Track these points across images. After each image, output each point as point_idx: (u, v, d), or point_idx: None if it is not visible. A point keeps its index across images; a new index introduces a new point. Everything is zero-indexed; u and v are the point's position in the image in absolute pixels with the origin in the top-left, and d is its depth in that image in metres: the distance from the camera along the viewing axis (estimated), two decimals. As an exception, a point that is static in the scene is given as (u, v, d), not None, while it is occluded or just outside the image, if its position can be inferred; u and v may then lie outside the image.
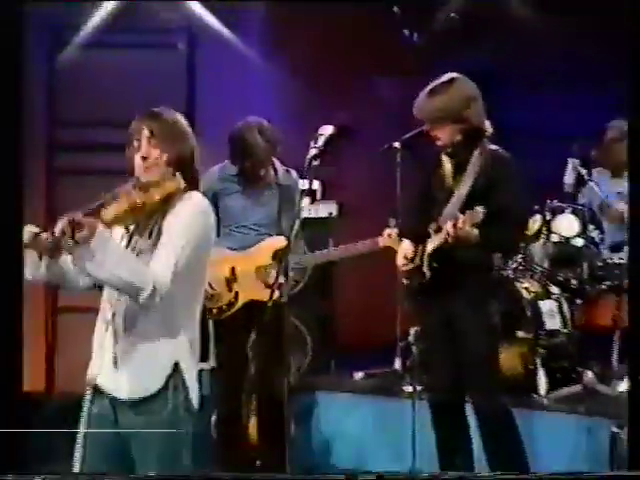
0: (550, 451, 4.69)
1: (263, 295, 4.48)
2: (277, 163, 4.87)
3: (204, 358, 5.60)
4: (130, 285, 2.80)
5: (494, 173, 4.09)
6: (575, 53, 5.97)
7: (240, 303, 4.73)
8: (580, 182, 5.55)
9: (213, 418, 5.08)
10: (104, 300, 3.07)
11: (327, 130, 3.89)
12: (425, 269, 4.20)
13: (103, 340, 3.03)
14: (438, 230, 4.13)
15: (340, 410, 5.50)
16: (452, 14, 6.35)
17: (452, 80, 4.14)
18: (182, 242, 2.95)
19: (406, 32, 6.35)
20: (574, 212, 5.42)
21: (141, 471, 3.05)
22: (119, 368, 2.98)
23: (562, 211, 5.44)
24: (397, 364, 5.65)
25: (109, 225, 2.87)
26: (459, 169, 4.18)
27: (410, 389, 4.91)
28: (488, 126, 4.18)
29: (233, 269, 4.74)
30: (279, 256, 4.56)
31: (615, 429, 4.34)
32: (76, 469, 3.05)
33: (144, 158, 3.07)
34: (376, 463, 5.15)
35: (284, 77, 6.17)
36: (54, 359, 6.63)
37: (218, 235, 4.57)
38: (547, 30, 5.97)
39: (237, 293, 4.75)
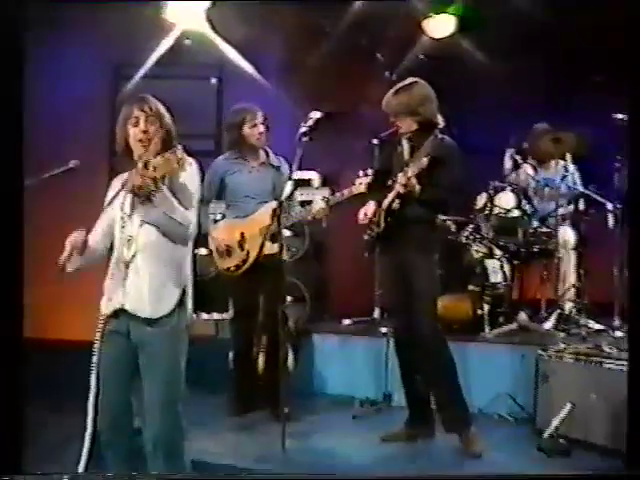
0: (494, 370, 5.11)
1: (269, 249, 4.87)
2: (267, 148, 5.21)
3: (224, 309, 6.07)
4: (180, 226, 3.26)
5: (441, 154, 4.33)
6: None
7: (252, 259, 4.99)
8: (516, 166, 6.09)
9: (230, 354, 5.33)
10: (121, 245, 3.36)
11: (315, 114, 4.47)
12: (381, 221, 4.52)
13: (124, 276, 3.32)
14: (391, 190, 4.44)
15: (331, 348, 5.85)
16: (421, 56, 6.94)
17: (412, 83, 4.50)
18: (196, 196, 3.38)
19: (387, 73, 6.94)
20: (512, 190, 5.88)
21: (144, 375, 3.33)
22: (142, 294, 3.31)
23: (503, 189, 5.91)
24: (376, 313, 6.13)
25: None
26: (414, 150, 4.49)
27: (385, 330, 5.29)
28: (440, 120, 4.50)
29: (242, 233, 5.05)
30: (276, 214, 4.73)
31: (540, 351, 4.69)
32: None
33: (145, 132, 3.33)
34: (358, 388, 5.51)
35: (291, 104, 6.53)
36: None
37: (227, 207, 5.19)
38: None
39: (248, 251, 5.02)
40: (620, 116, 4.53)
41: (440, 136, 4.46)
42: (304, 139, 4.41)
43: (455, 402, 4.46)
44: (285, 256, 4.95)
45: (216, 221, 5.28)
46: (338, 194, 4.87)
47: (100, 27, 6.87)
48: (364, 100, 7.04)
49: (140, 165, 3.20)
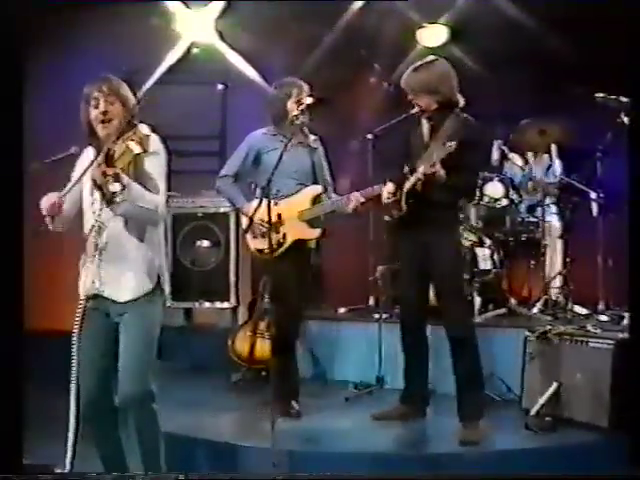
0: (483, 353, 4.56)
1: (307, 234, 4.52)
2: (306, 130, 4.62)
3: (226, 298, 6.08)
4: (149, 211, 3.07)
5: (464, 133, 4.00)
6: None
7: (288, 242, 4.52)
8: (503, 157, 5.91)
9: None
10: (91, 231, 3.17)
11: (307, 100, 4.22)
12: (402, 204, 4.12)
13: (98, 262, 3.15)
14: (413, 172, 4.06)
15: (326, 335, 5.67)
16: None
17: (432, 61, 4.14)
18: (164, 176, 3.18)
19: (385, 84, 6.73)
20: (500, 180, 5.72)
21: (121, 344, 3.17)
22: (118, 281, 3.16)
23: (491, 179, 5.72)
24: (371, 301, 5.93)
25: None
26: (434, 130, 4.13)
27: (377, 316, 5.22)
28: (460, 99, 4.14)
29: (280, 215, 4.49)
30: (317, 200, 4.54)
31: (527, 332, 4.51)
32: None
33: (104, 113, 3.12)
34: (353, 371, 5.35)
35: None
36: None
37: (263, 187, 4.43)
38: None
39: (285, 234, 4.53)
40: (601, 95, 4.27)
41: (462, 115, 4.12)
42: (296, 122, 4.12)
43: (476, 392, 4.18)
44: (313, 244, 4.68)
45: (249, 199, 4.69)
46: (370, 189, 4.44)
47: (113, 36, 6.76)
48: (363, 106, 6.90)
49: (101, 158, 2.98)
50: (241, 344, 5.29)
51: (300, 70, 6.99)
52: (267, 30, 6.84)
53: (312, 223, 4.52)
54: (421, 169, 3.99)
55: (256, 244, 4.64)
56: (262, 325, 5.22)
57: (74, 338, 3.16)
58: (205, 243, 6.05)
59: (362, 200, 4.47)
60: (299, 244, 4.54)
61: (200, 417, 4.56)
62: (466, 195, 4.46)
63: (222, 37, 6.99)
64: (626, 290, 3.52)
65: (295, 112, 4.36)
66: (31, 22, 6.33)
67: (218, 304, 6.14)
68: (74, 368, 3.16)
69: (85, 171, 3.14)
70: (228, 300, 6.07)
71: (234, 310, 6.12)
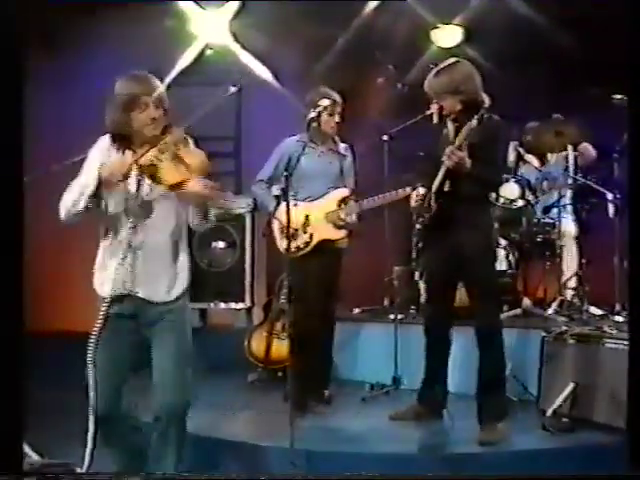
0: None
1: (333, 235, 4.71)
2: (337, 138, 4.89)
3: (241, 299, 6.14)
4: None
5: (488, 131, 4.02)
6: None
7: (315, 242, 4.73)
8: (519, 158, 5.93)
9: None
10: (126, 229, 3.12)
11: (324, 102, 4.28)
12: (432, 203, 4.09)
13: (131, 261, 3.10)
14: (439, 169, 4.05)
15: (342, 335, 5.45)
16: (430, 65, 6.62)
17: (454, 63, 4.15)
18: None
19: (399, 85, 6.76)
20: (516, 181, 5.72)
21: (158, 350, 3.12)
22: (156, 281, 3.13)
23: (507, 180, 5.69)
24: (385, 302, 5.96)
25: None
26: (459, 132, 4.09)
27: (392, 317, 5.25)
28: (485, 98, 4.13)
29: (307, 216, 4.74)
30: (344, 203, 4.74)
31: (544, 334, 4.51)
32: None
33: (154, 119, 3.13)
34: (369, 371, 5.36)
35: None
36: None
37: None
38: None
39: (312, 235, 4.74)
40: (618, 96, 4.26)
41: (486, 115, 4.09)
42: (313, 124, 4.14)
43: (499, 393, 4.17)
44: (344, 244, 4.88)
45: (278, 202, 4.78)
46: (388, 194, 4.64)
47: (128, 38, 6.88)
48: (377, 107, 6.93)
49: (155, 151, 3.04)
50: (257, 345, 5.40)
51: (314, 71, 7.11)
52: (281, 31, 6.89)
53: (338, 224, 4.70)
54: (445, 160, 3.98)
55: (284, 244, 4.66)
56: (278, 326, 5.31)
57: (91, 342, 3.08)
58: (221, 244, 6.08)
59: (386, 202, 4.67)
60: (327, 244, 4.71)
61: (218, 417, 4.59)
62: (493, 188, 4.39)
63: (236, 38, 7.01)
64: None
65: (329, 124, 4.52)
66: (41, 23, 6.52)
67: (233, 305, 6.18)
68: (90, 373, 3.07)
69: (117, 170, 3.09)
70: (243, 301, 6.12)
71: (249, 311, 6.16)
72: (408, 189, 4.43)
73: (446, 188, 4.06)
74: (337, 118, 4.83)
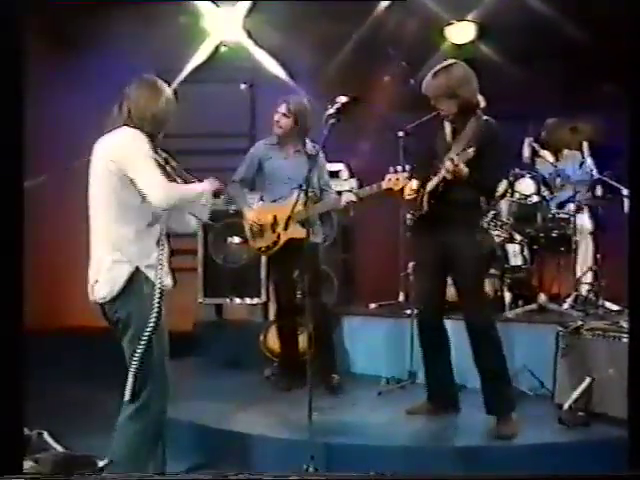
0: (515, 348, 4.76)
1: (299, 233, 4.80)
2: (307, 139, 5.05)
3: (256, 295, 6.15)
4: None
5: (484, 136, 4.06)
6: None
7: (282, 241, 4.93)
8: (534, 154, 5.89)
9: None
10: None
11: (342, 99, 4.18)
12: (424, 204, 4.17)
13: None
14: (436, 173, 4.11)
15: (358, 330, 5.72)
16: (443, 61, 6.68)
17: (450, 65, 4.17)
18: None
19: (412, 81, 6.55)
20: (531, 177, 5.71)
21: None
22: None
23: (522, 176, 5.72)
24: (401, 297, 5.95)
25: None
26: (457, 132, 4.17)
27: (409, 312, 5.17)
28: (481, 101, 4.18)
29: (275, 216, 4.95)
30: (303, 200, 4.64)
31: (559, 328, 4.52)
32: None
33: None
34: (384, 367, 5.37)
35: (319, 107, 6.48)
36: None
37: (262, 190, 5.16)
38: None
39: (279, 234, 4.94)
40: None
41: (483, 117, 4.15)
42: (331, 121, 4.17)
43: (501, 385, 4.19)
44: (318, 239, 5.08)
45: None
46: (367, 187, 4.72)
47: (144, 35, 6.94)
48: (390, 103, 6.96)
49: None
50: (273, 339, 5.42)
51: (328, 68, 7.13)
52: (294, 28, 6.93)
53: (304, 223, 4.68)
54: (443, 171, 4.04)
55: (255, 243, 5.13)
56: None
57: (147, 335, 3.15)
58: (236, 240, 6.10)
59: (353, 199, 4.81)
60: (296, 243, 4.79)
61: (235, 411, 4.65)
62: (486, 194, 4.43)
63: (250, 35, 7.07)
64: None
65: (330, 111, 4.47)
66: (51, 22, 6.57)
67: (248, 300, 6.19)
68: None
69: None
70: (259, 296, 6.13)
71: (265, 306, 6.17)
72: (387, 182, 4.41)
73: (440, 189, 4.12)
74: (276, 117, 5.06)
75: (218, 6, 7.00)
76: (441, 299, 4.34)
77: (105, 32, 6.87)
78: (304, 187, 4.62)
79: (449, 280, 4.35)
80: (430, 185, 4.15)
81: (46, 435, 3.72)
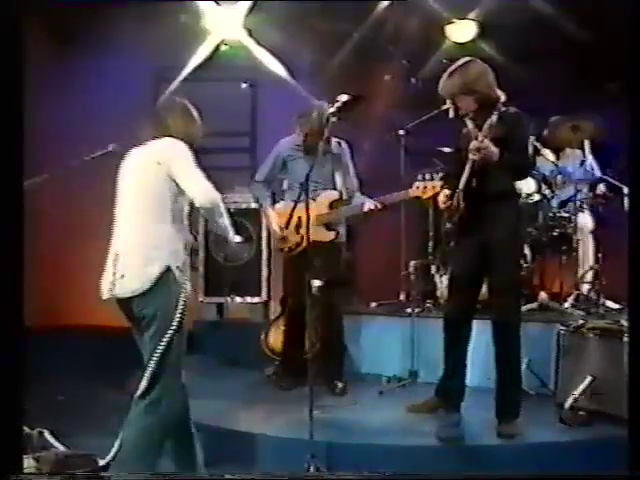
0: None
1: (323, 236, 4.86)
2: (330, 137, 4.91)
3: (257, 294, 6.17)
4: None
5: (509, 123, 4.03)
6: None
7: (305, 243, 4.61)
8: (536, 153, 5.79)
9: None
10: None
11: (343, 97, 4.19)
12: (460, 204, 4.03)
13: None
14: (464, 168, 4.02)
15: (361, 329, 5.66)
16: (444, 60, 6.48)
17: (465, 63, 4.13)
18: None
19: (413, 80, 6.73)
20: (532, 176, 5.61)
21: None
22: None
23: (526, 173, 5.75)
24: (402, 296, 5.92)
25: None
26: (479, 129, 4.07)
27: (409, 311, 5.27)
28: (501, 94, 4.11)
29: (299, 217, 4.77)
30: (335, 205, 4.96)
31: (561, 327, 4.51)
32: None
33: None
34: (386, 365, 5.37)
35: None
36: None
37: (285, 191, 5.21)
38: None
39: (302, 236, 4.82)
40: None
41: (504, 109, 4.09)
42: (332, 119, 4.17)
43: (516, 389, 4.17)
44: (342, 239, 5.08)
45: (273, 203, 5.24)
46: (395, 194, 4.72)
47: (145, 33, 6.93)
48: (391, 102, 6.95)
49: None
50: (274, 338, 5.42)
51: (328, 66, 7.13)
52: (296, 27, 6.92)
53: (329, 226, 4.89)
54: (470, 154, 3.97)
55: (278, 243, 5.11)
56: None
57: (170, 334, 3.22)
58: (237, 239, 6.08)
59: (378, 207, 4.80)
60: (320, 246, 4.79)
61: (236, 409, 4.67)
62: (520, 174, 4.31)
63: (251, 34, 7.05)
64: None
65: (331, 110, 4.46)
66: (52, 21, 6.57)
67: (249, 299, 6.21)
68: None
69: None
70: (259, 295, 6.14)
71: (266, 305, 6.18)
72: (414, 190, 4.46)
73: (474, 184, 4.05)
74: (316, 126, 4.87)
75: (219, 5, 6.98)
76: (475, 300, 4.27)
77: (105, 31, 6.87)
78: (329, 188, 4.83)
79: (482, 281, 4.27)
80: (462, 182, 4.04)
81: (47, 434, 3.74)
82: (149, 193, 3.36)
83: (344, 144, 5.08)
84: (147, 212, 3.36)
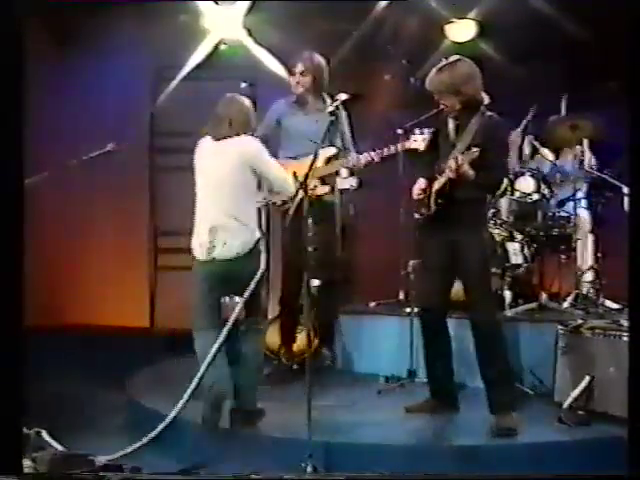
0: (515, 347, 4.81)
1: (318, 190, 4.90)
2: (325, 96, 5.10)
3: None
4: None
5: (489, 132, 4.08)
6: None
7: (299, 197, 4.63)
8: (535, 152, 5.89)
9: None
10: None
11: (342, 96, 4.26)
12: (432, 204, 4.19)
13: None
14: (441, 172, 4.12)
15: (360, 328, 5.67)
16: (443, 59, 6.63)
17: (455, 62, 4.16)
18: None
19: (412, 79, 6.59)
20: (531, 175, 5.68)
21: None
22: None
23: (522, 174, 5.70)
24: (401, 295, 5.88)
25: None
26: (460, 129, 4.17)
27: (408, 310, 5.22)
28: (485, 97, 4.18)
29: (294, 173, 4.70)
30: (330, 161, 5.00)
31: (559, 326, 4.50)
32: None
33: None
34: (385, 364, 5.34)
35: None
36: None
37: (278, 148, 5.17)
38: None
39: (298, 190, 4.60)
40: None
41: (487, 114, 4.16)
42: (331, 118, 4.19)
43: (505, 385, 4.19)
44: (336, 199, 5.16)
45: None
46: (392, 147, 4.87)
47: (145, 33, 7.04)
48: (390, 101, 6.93)
49: None
50: (273, 338, 5.39)
51: (328, 66, 7.11)
52: (294, 26, 6.91)
53: (324, 180, 4.99)
54: (448, 171, 4.06)
55: (274, 199, 5.05)
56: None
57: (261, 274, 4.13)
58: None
59: (374, 159, 4.95)
60: (316, 200, 4.78)
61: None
62: (492, 192, 4.46)
63: (250, 34, 7.05)
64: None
65: (330, 108, 4.46)
66: (52, 21, 6.57)
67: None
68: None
69: None
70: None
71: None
72: (411, 142, 4.64)
73: (447, 189, 4.14)
74: (297, 78, 5.13)
75: (218, 4, 6.97)
76: (446, 298, 4.34)
77: (105, 31, 6.87)
78: (323, 144, 4.69)
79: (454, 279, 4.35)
80: (437, 185, 4.17)
81: (45, 434, 3.73)
82: (239, 183, 4.20)
83: (341, 106, 4.86)
84: (238, 194, 4.20)
